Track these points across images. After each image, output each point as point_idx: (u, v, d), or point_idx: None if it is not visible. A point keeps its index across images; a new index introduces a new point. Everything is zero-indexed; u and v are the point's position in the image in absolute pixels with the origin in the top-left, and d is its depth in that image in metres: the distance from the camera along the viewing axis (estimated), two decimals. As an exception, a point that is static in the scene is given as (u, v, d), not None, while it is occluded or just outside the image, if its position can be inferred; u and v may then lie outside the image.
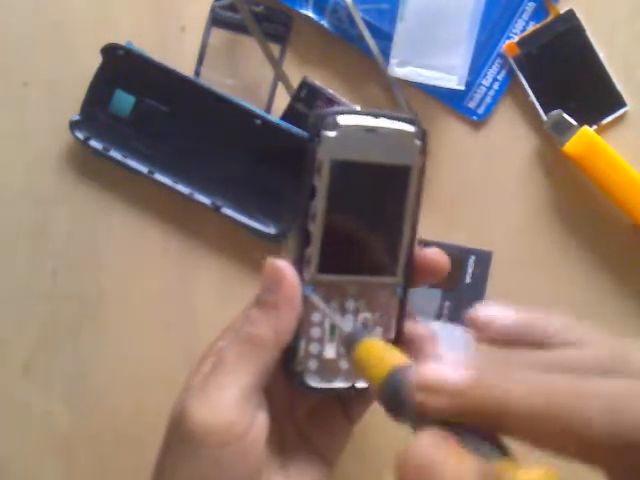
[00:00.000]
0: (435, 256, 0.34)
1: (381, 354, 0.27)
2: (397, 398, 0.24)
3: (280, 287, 0.32)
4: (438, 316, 0.45)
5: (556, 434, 0.21)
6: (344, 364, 0.34)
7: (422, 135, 0.33)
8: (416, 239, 0.34)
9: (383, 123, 0.32)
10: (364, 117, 0.32)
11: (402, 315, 0.34)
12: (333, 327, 0.33)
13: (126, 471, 0.46)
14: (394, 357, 0.26)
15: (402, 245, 0.33)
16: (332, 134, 0.32)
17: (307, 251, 0.32)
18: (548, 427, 0.21)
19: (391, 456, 0.21)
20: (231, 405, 0.30)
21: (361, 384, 0.34)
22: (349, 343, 0.29)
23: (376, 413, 0.44)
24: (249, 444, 0.31)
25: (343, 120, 0.32)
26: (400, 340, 0.34)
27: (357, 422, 0.37)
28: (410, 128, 0.33)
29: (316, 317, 0.33)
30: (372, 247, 0.33)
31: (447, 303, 0.45)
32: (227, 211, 0.44)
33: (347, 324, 0.32)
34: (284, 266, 0.32)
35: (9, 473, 0.46)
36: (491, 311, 0.27)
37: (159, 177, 0.45)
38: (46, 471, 0.46)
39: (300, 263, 0.33)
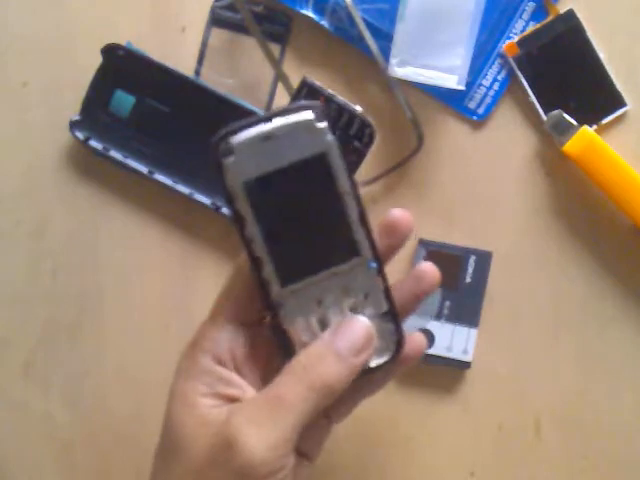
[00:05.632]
0: (394, 214, 0.34)
1: None
2: None
3: (365, 350, 0.32)
4: (438, 316, 0.45)
5: None
6: None
7: (323, 114, 0.31)
8: (366, 211, 0.32)
9: (278, 123, 0.31)
10: (256, 126, 0.31)
11: (386, 285, 0.33)
12: (321, 321, 0.33)
13: (126, 471, 0.46)
14: None
15: (352, 224, 0.32)
16: (231, 159, 0.31)
17: (264, 274, 0.32)
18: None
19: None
20: (282, 442, 0.30)
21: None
22: None
23: (381, 402, 0.44)
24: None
25: (236, 140, 0.31)
26: (395, 308, 0.33)
27: (338, 422, 0.37)
28: (308, 115, 0.31)
29: (300, 323, 0.33)
30: (324, 240, 0.33)
31: (447, 303, 0.45)
32: (227, 211, 0.44)
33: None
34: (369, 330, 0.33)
35: (9, 473, 0.46)
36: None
37: (159, 177, 0.45)
38: (46, 471, 0.46)
39: (263, 286, 0.32)
